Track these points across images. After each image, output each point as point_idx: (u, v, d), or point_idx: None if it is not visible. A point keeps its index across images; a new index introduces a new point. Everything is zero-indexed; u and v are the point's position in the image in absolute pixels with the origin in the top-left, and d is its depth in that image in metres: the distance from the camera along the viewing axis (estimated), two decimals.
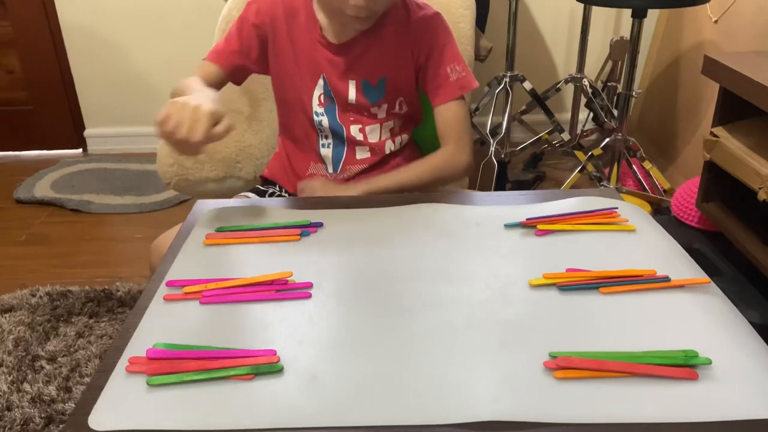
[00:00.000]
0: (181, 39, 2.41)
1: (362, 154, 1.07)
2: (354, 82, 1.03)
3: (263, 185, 1.14)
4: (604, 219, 0.84)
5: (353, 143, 1.07)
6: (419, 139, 1.18)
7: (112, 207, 2.11)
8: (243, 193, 1.12)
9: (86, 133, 2.58)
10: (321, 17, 1.02)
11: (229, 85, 1.74)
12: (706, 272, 0.72)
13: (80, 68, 2.47)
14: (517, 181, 2.15)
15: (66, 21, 2.39)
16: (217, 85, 1.04)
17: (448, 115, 1.04)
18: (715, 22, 1.85)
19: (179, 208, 2.11)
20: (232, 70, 1.06)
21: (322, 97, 1.05)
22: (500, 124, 2.05)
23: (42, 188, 2.22)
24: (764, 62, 1.25)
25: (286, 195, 1.13)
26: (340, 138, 1.07)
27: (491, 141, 1.98)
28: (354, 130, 1.06)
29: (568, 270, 0.72)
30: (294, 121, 1.09)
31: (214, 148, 1.76)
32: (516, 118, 2.29)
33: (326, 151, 1.08)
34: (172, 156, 1.76)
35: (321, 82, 1.04)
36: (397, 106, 1.07)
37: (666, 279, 0.69)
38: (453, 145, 1.03)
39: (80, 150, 2.60)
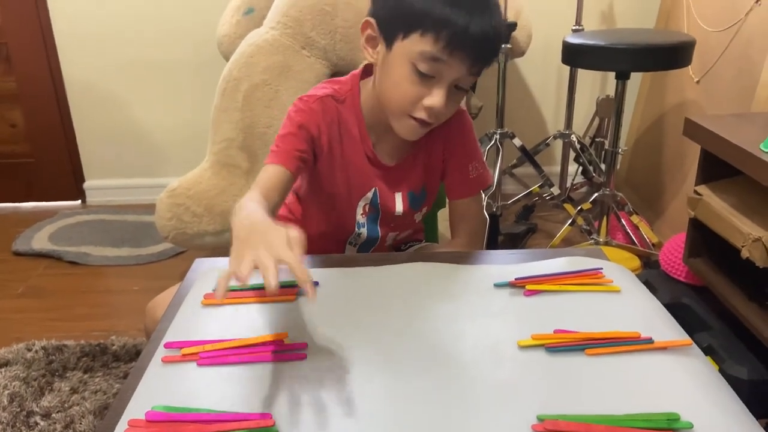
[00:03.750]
0: (183, 94, 2.48)
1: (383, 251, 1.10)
2: (401, 194, 1.03)
3: None
4: (590, 279, 0.86)
5: (382, 248, 1.08)
6: None
7: (109, 259, 2.13)
8: None
9: (86, 185, 2.62)
10: (374, 138, 1.00)
11: (227, 139, 1.80)
12: (694, 327, 0.74)
13: (82, 121, 2.53)
14: (510, 234, 2.19)
15: (69, 76, 2.47)
16: (285, 188, 0.94)
17: (463, 209, 1.06)
18: (697, 82, 1.92)
19: (176, 260, 2.13)
20: (297, 171, 0.96)
21: (367, 207, 1.03)
22: (492, 176, 2.10)
23: (40, 240, 2.24)
24: (743, 124, 1.31)
25: None
26: (369, 246, 1.08)
27: (483, 195, 2.02)
28: (390, 237, 1.07)
29: (555, 331, 0.74)
30: (331, 220, 1.07)
31: (212, 202, 1.80)
32: (507, 171, 2.35)
33: (351, 249, 1.09)
34: (170, 210, 1.79)
35: (370, 194, 1.02)
36: (432, 208, 1.10)
37: (649, 341, 0.72)
38: (466, 238, 1.06)
39: (79, 201, 2.64)
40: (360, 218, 1.04)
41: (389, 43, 0.88)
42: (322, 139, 0.97)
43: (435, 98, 0.86)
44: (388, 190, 1.02)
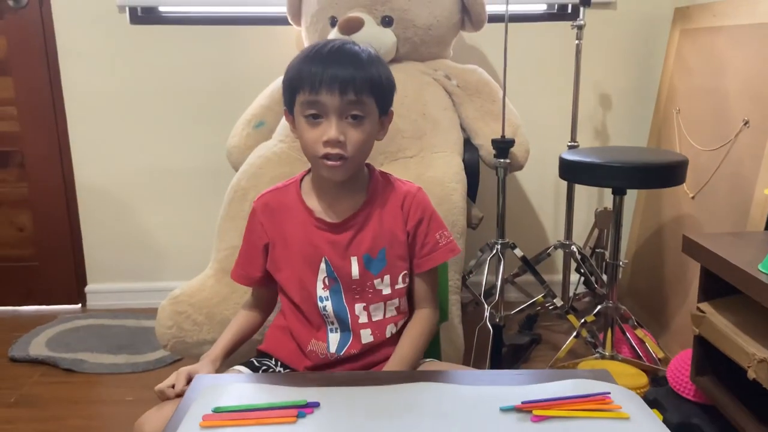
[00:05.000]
0: (190, 201, 2.53)
1: (366, 338, 1.10)
2: (356, 258, 1.08)
3: (258, 359, 1.15)
4: (598, 405, 0.85)
5: (358, 328, 1.09)
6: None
7: (106, 366, 2.08)
8: (236, 367, 1.12)
9: (87, 288, 2.62)
10: (313, 203, 1.10)
11: (232, 247, 1.81)
12: None
13: (90, 226, 2.57)
14: (513, 345, 2.16)
15: (82, 183, 2.52)
16: (271, 297, 1.20)
17: (433, 278, 1.14)
18: (693, 198, 1.97)
19: (171, 368, 2.08)
20: (264, 283, 1.17)
21: (326, 280, 1.09)
22: (494, 285, 2.09)
23: (37, 346, 2.21)
24: (740, 244, 1.33)
25: (282, 369, 1.14)
26: (344, 324, 1.10)
27: (486, 306, 2.01)
28: (358, 309, 1.09)
29: None
30: (298, 304, 1.12)
31: (213, 311, 1.79)
32: (509, 280, 2.35)
33: (334, 336, 1.10)
34: (171, 318, 1.78)
35: (323, 265, 1.08)
36: (400, 280, 1.11)
37: None
38: (430, 308, 1.14)
39: (79, 305, 2.62)
40: (321, 292, 1.09)
41: (292, 114, 1.06)
42: (269, 234, 1.12)
43: (328, 130, 1.00)
44: (340, 257, 1.08)
